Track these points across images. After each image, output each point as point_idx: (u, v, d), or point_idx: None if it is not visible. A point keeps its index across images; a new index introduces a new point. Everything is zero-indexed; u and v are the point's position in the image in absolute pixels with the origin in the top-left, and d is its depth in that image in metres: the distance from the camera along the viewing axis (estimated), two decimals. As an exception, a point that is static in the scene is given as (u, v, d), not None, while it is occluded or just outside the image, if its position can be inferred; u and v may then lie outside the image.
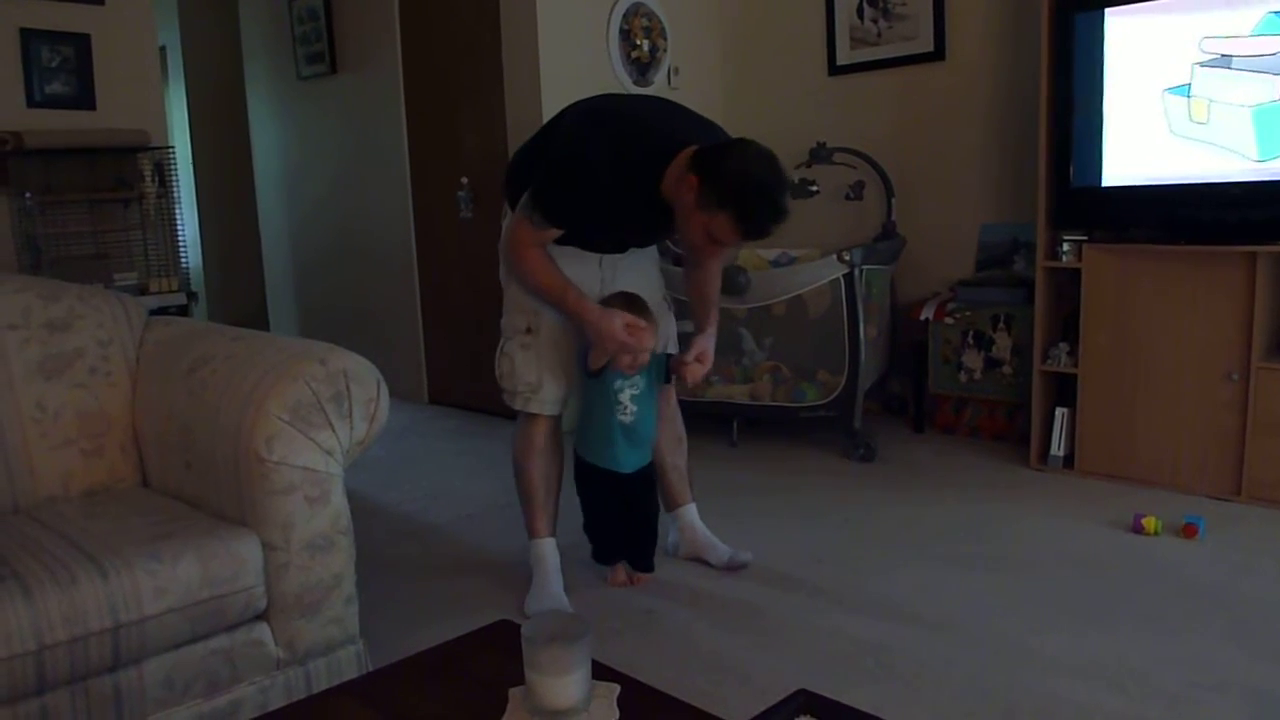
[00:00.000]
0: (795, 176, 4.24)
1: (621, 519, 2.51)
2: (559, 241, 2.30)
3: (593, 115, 2.26)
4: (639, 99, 2.47)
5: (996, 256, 3.94)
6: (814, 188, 4.23)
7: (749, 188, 2.04)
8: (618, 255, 2.44)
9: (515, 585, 2.53)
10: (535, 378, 2.42)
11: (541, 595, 2.43)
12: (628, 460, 2.43)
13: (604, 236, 2.38)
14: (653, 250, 2.60)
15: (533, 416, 2.46)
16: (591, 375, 2.35)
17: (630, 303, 2.31)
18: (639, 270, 2.50)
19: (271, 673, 1.76)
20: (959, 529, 2.89)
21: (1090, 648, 2.14)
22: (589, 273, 2.40)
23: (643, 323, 2.27)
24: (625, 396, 2.37)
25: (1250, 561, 2.58)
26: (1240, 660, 2.06)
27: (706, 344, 2.43)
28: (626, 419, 2.39)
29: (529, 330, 2.41)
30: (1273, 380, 2.92)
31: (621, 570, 2.55)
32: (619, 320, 2.23)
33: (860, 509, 3.09)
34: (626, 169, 2.14)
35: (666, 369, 2.46)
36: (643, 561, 2.55)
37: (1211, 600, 2.36)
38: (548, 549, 2.50)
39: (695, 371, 2.39)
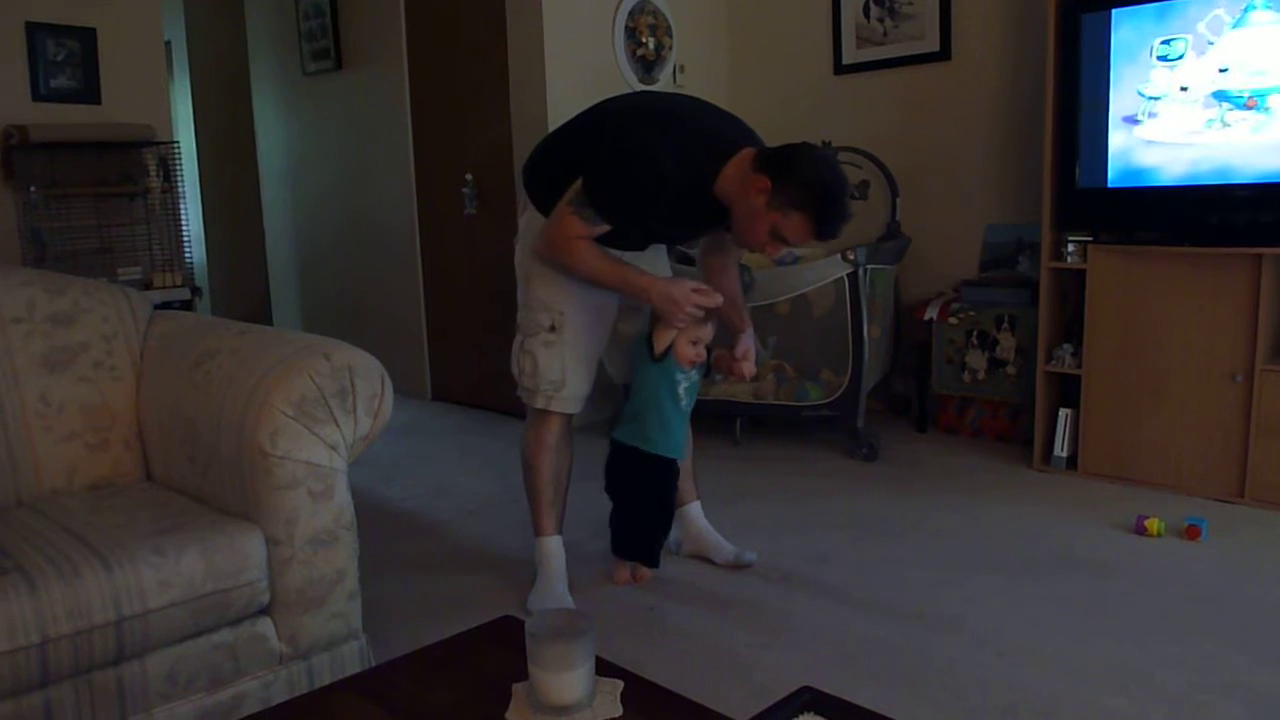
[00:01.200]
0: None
1: (653, 509, 2.51)
2: (605, 240, 2.30)
3: (649, 114, 2.28)
4: (682, 98, 2.48)
5: (1001, 257, 3.94)
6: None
7: (824, 191, 2.13)
8: (635, 253, 2.43)
9: (518, 582, 2.53)
10: (559, 375, 2.40)
11: (546, 593, 2.43)
12: (681, 448, 2.46)
13: (645, 234, 2.38)
14: (662, 247, 2.59)
15: (547, 414, 2.45)
16: (655, 360, 2.35)
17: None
18: (654, 267, 2.49)
19: (274, 667, 1.76)
20: (961, 529, 2.89)
21: (1092, 649, 2.14)
22: None
23: (708, 288, 2.28)
24: (682, 388, 2.39)
25: (1253, 564, 2.58)
26: (1243, 662, 2.06)
27: (750, 341, 2.48)
28: (683, 408, 2.42)
29: (552, 328, 2.39)
30: (1277, 382, 2.92)
31: (624, 567, 2.55)
32: (687, 284, 2.26)
33: (863, 509, 3.09)
34: (688, 168, 2.17)
35: (709, 365, 2.46)
36: (653, 556, 2.55)
37: (1214, 602, 2.36)
38: (554, 547, 2.50)
39: (746, 368, 2.44)
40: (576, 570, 2.53)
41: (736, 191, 2.18)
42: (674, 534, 2.70)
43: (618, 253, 2.36)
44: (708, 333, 2.35)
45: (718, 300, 2.28)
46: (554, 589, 2.44)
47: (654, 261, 2.51)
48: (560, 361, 2.40)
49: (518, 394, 2.49)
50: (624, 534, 2.53)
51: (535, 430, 2.48)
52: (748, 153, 2.20)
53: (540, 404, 2.44)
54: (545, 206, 2.35)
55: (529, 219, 2.44)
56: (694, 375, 2.41)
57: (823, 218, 2.14)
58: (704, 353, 2.37)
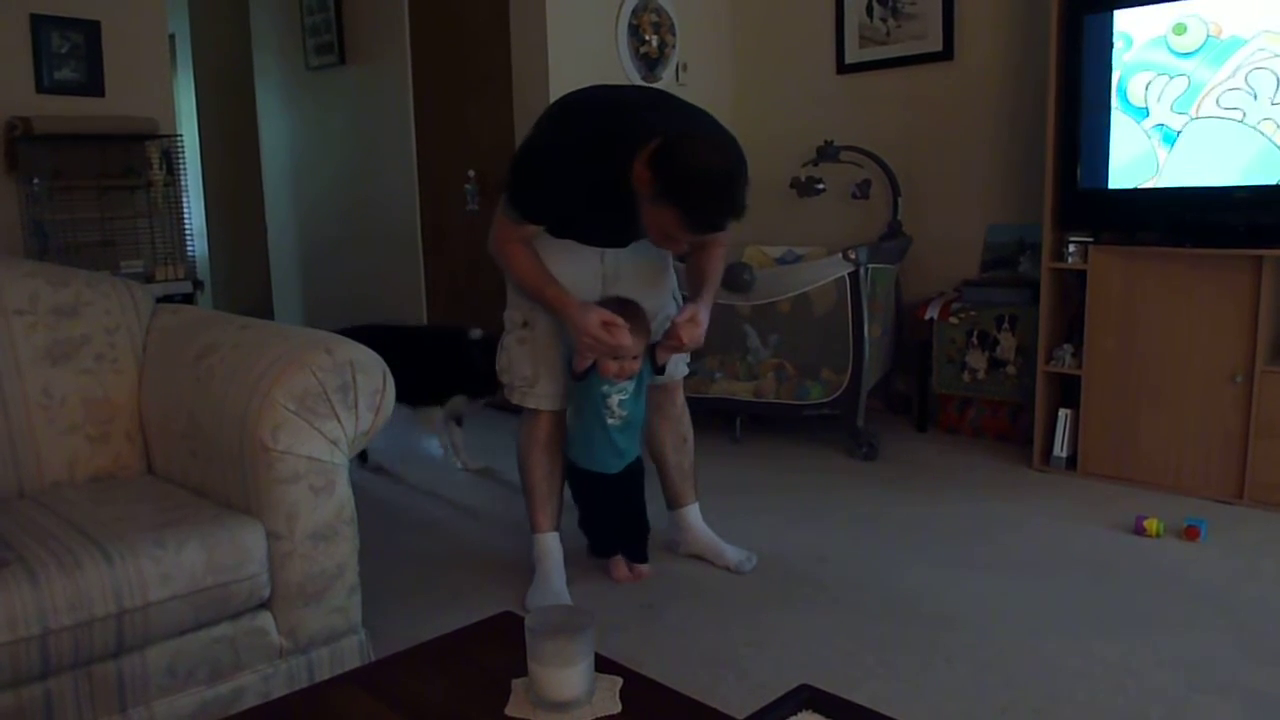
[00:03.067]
0: (803, 174, 4.24)
1: (616, 513, 2.52)
2: (556, 235, 2.29)
3: (563, 107, 2.24)
4: (628, 89, 2.40)
5: (1002, 257, 3.94)
6: (821, 186, 4.24)
7: (695, 181, 1.98)
8: (621, 250, 2.40)
9: (517, 578, 2.54)
10: (531, 371, 2.42)
11: (543, 590, 2.43)
12: (613, 463, 2.43)
13: (592, 231, 2.34)
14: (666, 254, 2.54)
15: (534, 411, 2.46)
16: (576, 378, 2.33)
17: (623, 306, 2.27)
18: (645, 266, 2.45)
19: (274, 661, 1.77)
20: (961, 528, 2.89)
21: (1091, 649, 2.14)
22: (589, 268, 2.38)
23: (620, 321, 2.19)
24: (614, 401, 2.35)
25: (1252, 564, 2.58)
26: (1241, 663, 2.06)
27: (699, 308, 2.29)
28: (615, 423, 2.37)
29: (525, 324, 2.41)
30: (1276, 383, 2.92)
31: (621, 564, 2.55)
32: (595, 316, 2.19)
33: (862, 507, 3.09)
34: (588, 161, 2.09)
35: (653, 359, 2.38)
36: (638, 553, 2.57)
37: (1213, 603, 2.36)
38: (550, 543, 2.50)
39: (689, 331, 2.25)
40: (575, 568, 2.54)
41: (634, 184, 2.06)
42: (672, 535, 2.70)
43: (612, 251, 2.35)
44: (633, 347, 2.25)
45: (621, 340, 2.18)
46: (552, 586, 2.44)
47: (643, 260, 2.44)
48: (531, 358, 2.41)
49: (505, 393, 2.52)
50: (591, 536, 2.56)
51: (526, 428, 2.50)
52: (650, 146, 2.03)
53: (516, 399, 2.46)
54: None
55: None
56: (627, 386, 2.34)
57: (691, 208, 2.00)
58: (633, 366, 2.29)
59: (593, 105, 2.22)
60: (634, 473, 2.50)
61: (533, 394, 2.44)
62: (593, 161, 2.09)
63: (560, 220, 2.26)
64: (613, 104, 2.23)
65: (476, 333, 3.59)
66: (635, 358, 2.30)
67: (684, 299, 2.62)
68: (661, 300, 2.50)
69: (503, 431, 4.14)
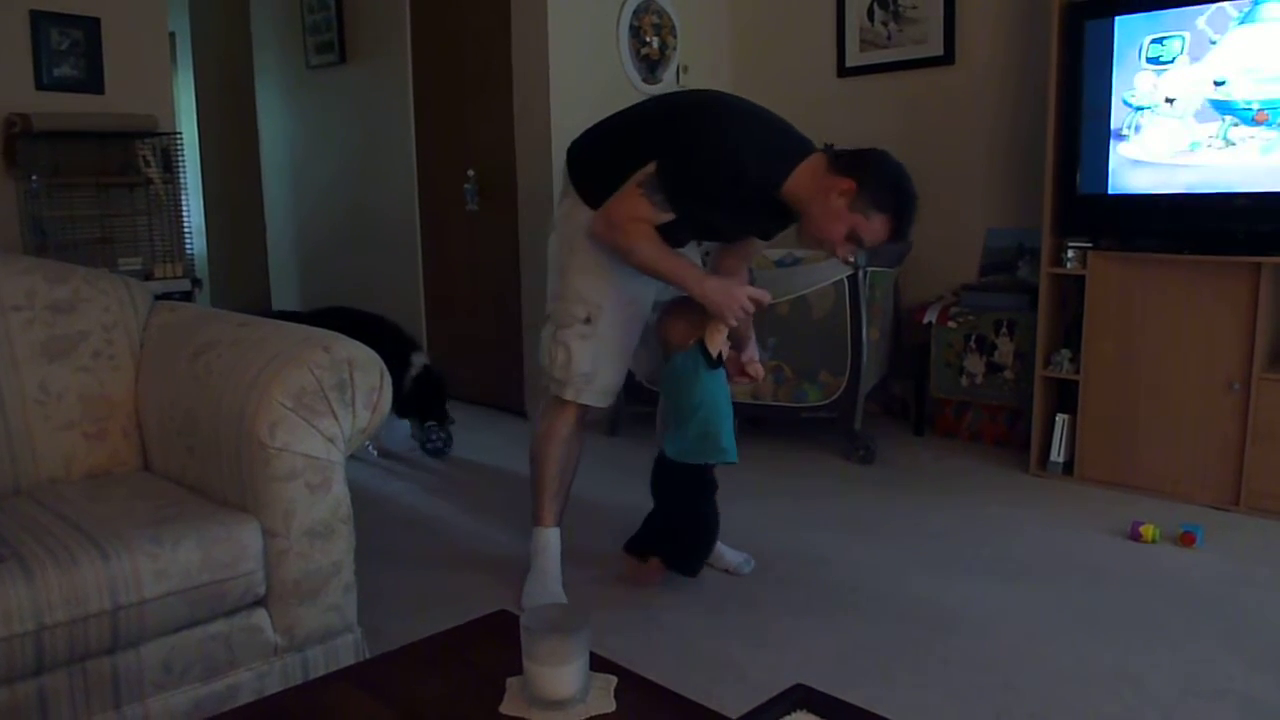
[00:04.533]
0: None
1: (709, 513, 2.48)
2: (668, 229, 2.29)
3: (732, 110, 2.31)
4: (748, 101, 2.49)
5: (1001, 261, 3.95)
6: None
7: (905, 195, 2.22)
8: (684, 253, 2.44)
9: (513, 578, 2.53)
10: (591, 368, 2.40)
11: (540, 584, 2.43)
12: (734, 451, 2.41)
13: (694, 228, 2.39)
14: (694, 250, 2.59)
15: (566, 404, 2.44)
16: (714, 365, 2.32)
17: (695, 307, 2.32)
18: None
19: (269, 659, 1.76)
20: (957, 533, 2.89)
21: (1086, 653, 2.14)
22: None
23: (764, 294, 2.29)
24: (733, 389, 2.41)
25: (1248, 571, 2.58)
26: (1236, 669, 2.07)
27: (754, 347, 2.57)
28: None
29: (588, 320, 2.38)
30: (1274, 391, 2.92)
31: (651, 566, 2.49)
32: (740, 288, 2.26)
33: (859, 510, 3.09)
34: (763, 166, 2.21)
35: (706, 354, 2.39)
36: (695, 564, 2.51)
37: (1208, 609, 2.36)
38: (552, 538, 2.50)
39: (756, 369, 2.52)
40: (573, 567, 2.54)
41: (812, 193, 2.20)
42: None
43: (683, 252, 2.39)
44: (765, 307, 2.36)
45: (769, 298, 2.31)
46: (548, 581, 2.44)
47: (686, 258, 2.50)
48: (593, 354, 2.39)
49: (544, 384, 2.48)
50: (684, 552, 2.47)
51: (550, 421, 2.47)
52: (820, 156, 2.25)
53: (570, 395, 2.42)
54: (591, 194, 2.34)
55: (569, 208, 2.41)
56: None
57: (904, 219, 2.22)
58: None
59: (749, 111, 2.33)
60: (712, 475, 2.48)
61: (589, 390, 2.42)
62: (769, 166, 2.21)
63: (701, 216, 2.30)
64: (760, 111, 2.35)
65: (420, 359, 3.65)
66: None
67: None
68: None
69: (498, 432, 4.15)
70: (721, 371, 2.36)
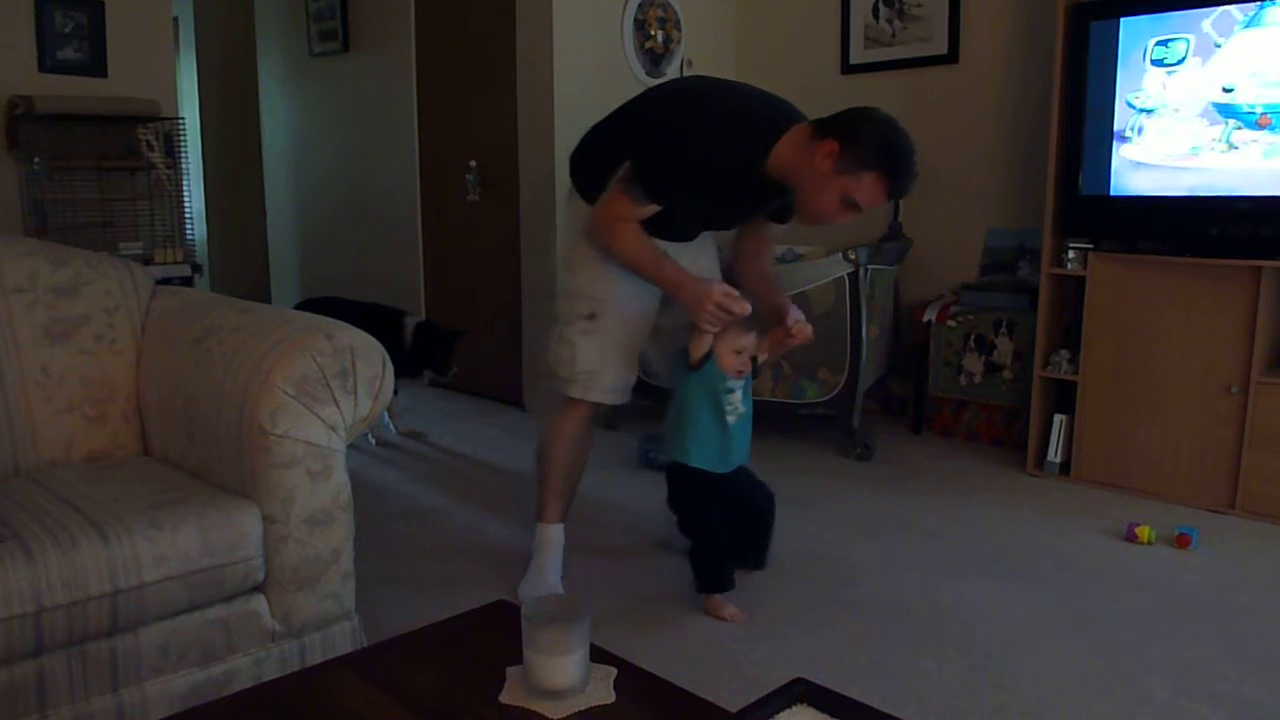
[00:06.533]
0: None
1: (728, 516, 2.37)
2: (653, 224, 2.26)
3: (693, 95, 2.26)
4: (726, 81, 2.44)
5: (1002, 261, 3.95)
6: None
7: (894, 148, 2.08)
8: (680, 246, 2.39)
9: (512, 568, 2.54)
10: (598, 364, 2.37)
11: (537, 581, 2.43)
12: (724, 462, 2.31)
13: (692, 218, 2.36)
14: (709, 242, 2.55)
15: (575, 401, 2.41)
16: (692, 368, 2.24)
17: None
18: (700, 262, 2.46)
19: (267, 645, 1.77)
20: (953, 531, 2.90)
21: (1080, 653, 2.15)
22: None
23: (737, 293, 2.17)
24: (737, 397, 2.27)
25: (1242, 574, 2.59)
26: (1229, 671, 2.07)
27: (796, 310, 2.35)
28: (734, 419, 2.28)
29: (591, 316, 2.36)
30: (1272, 395, 2.93)
31: (726, 605, 2.32)
32: (718, 287, 2.17)
33: (856, 508, 3.10)
34: (735, 147, 2.14)
35: (756, 370, 2.33)
36: (758, 558, 2.49)
37: (1202, 611, 2.37)
38: (555, 534, 2.49)
39: (804, 330, 2.28)
40: (573, 563, 2.54)
41: (798, 163, 2.12)
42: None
43: (665, 245, 2.33)
44: (750, 341, 2.24)
45: (745, 309, 2.16)
46: (547, 576, 2.44)
47: (699, 255, 2.48)
48: (598, 350, 2.36)
49: (554, 386, 2.43)
50: (705, 566, 2.34)
51: (559, 418, 2.45)
52: (802, 126, 2.16)
53: (576, 393, 2.38)
54: (586, 191, 2.34)
55: (572, 208, 2.42)
56: (743, 384, 2.29)
57: (896, 174, 2.09)
58: (749, 362, 2.25)
59: (722, 90, 2.26)
60: (746, 472, 2.40)
61: (596, 387, 2.38)
62: (740, 142, 2.13)
63: (683, 203, 2.24)
64: (738, 90, 2.28)
65: (412, 320, 3.74)
66: (748, 352, 2.24)
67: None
68: None
69: (496, 423, 4.15)
70: (702, 375, 2.23)
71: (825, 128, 2.10)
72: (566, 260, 2.44)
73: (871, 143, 2.07)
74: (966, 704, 1.94)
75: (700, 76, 2.35)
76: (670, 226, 2.29)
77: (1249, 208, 2.91)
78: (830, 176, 2.08)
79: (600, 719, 1.18)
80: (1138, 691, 1.99)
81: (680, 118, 2.19)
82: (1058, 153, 3.27)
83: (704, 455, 2.30)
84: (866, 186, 2.08)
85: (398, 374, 3.62)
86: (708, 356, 2.23)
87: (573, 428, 2.44)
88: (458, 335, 3.78)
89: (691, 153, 2.13)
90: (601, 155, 2.32)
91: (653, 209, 2.21)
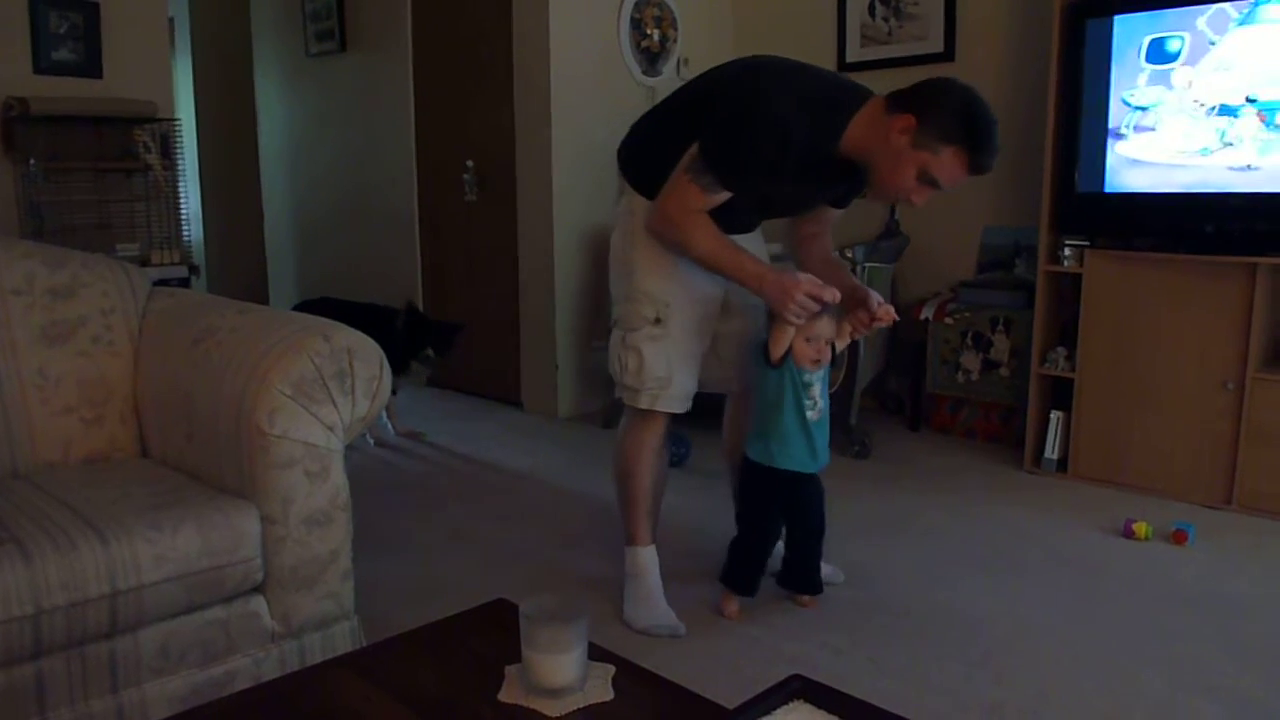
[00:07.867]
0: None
1: (791, 527, 2.33)
2: (721, 212, 2.12)
3: (768, 71, 2.10)
4: (792, 60, 2.25)
5: (998, 259, 3.96)
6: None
7: (976, 120, 1.96)
8: (738, 238, 2.21)
9: (511, 566, 2.54)
10: (666, 372, 2.22)
11: (647, 607, 2.28)
12: (811, 461, 2.24)
13: (757, 205, 2.24)
14: (759, 237, 2.43)
15: (649, 415, 2.27)
16: (772, 365, 2.16)
17: None
18: (756, 252, 2.28)
19: (266, 645, 1.77)
20: (951, 528, 2.90)
21: (1078, 649, 2.16)
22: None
23: (822, 287, 2.06)
24: (816, 391, 2.19)
25: (1239, 569, 2.60)
26: (1226, 666, 2.08)
27: (874, 292, 2.24)
28: (814, 416, 2.20)
29: (658, 321, 2.21)
30: (1268, 391, 2.94)
31: (733, 602, 2.32)
32: (803, 276, 2.06)
33: (853, 505, 3.10)
34: (812, 124, 2.01)
35: (834, 360, 2.26)
36: (808, 582, 2.36)
37: (1199, 606, 2.38)
38: (649, 558, 2.35)
39: (887, 312, 2.18)
40: (574, 562, 2.54)
41: (872, 140, 2.00)
42: None
43: (740, 239, 2.20)
44: (827, 328, 2.14)
45: (834, 295, 2.06)
46: (655, 603, 2.29)
47: (754, 250, 2.30)
48: (666, 357, 2.22)
49: (617, 395, 2.33)
50: (740, 560, 2.31)
51: (635, 433, 2.31)
52: (878, 100, 2.04)
53: (645, 404, 2.25)
54: (644, 185, 2.20)
55: (627, 203, 2.27)
56: (821, 375, 2.20)
57: (978, 149, 1.96)
58: (827, 350, 2.16)
59: (792, 69, 2.12)
60: (819, 485, 2.31)
61: (665, 396, 2.24)
62: (817, 120, 2.02)
63: (756, 188, 2.11)
64: (802, 67, 2.14)
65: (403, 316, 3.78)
66: (828, 343, 2.16)
67: None
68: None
69: (493, 423, 4.15)
70: (784, 371, 2.16)
71: (901, 101, 1.98)
72: (625, 262, 2.26)
73: (952, 114, 1.94)
74: (965, 700, 1.95)
75: (764, 55, 2.17)
76: (731, 216, 2.13)
77: (1244, 204, 2.92)
78: (907, 152, 1.97)
79: (599, 717, 1.19)
80: (1135, 686, 2.00)
81: (754, 94, 2.03)
82: (1054, 150, 3.28)
83: (790, 457, 2.22)
84: (945, 162, 1.97)
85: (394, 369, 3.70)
86: (786, 355, 2.15)
87: (654, 440, 2.30)
88: (457, 328, 3.78)
89: (769, 131, 1.99)
90: (663, 143, 2.15)
91: (724, 197, 2.06)
